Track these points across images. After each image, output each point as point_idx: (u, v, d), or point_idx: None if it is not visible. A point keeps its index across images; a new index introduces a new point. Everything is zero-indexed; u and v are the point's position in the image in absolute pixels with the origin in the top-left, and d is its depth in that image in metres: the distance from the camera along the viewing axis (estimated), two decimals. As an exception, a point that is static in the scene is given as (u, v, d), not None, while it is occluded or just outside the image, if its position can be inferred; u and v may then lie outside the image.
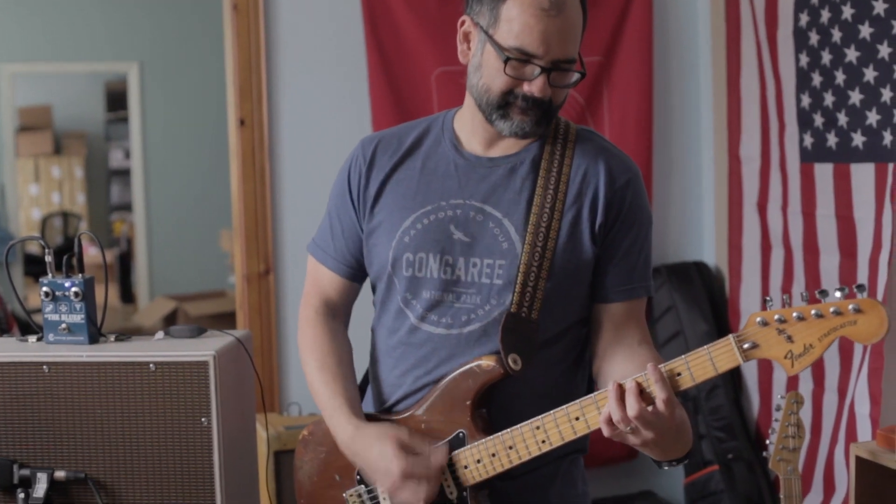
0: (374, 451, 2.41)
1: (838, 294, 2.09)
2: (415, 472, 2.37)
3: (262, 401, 3.18)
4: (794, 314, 2.13)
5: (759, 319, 2.16)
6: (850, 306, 2.08)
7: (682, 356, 2.22)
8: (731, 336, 2.19)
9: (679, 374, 2.22)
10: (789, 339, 2.15)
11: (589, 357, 2.56)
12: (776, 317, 2.15)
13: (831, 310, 2.09)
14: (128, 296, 11.46)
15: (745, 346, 2.18)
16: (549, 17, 2.31)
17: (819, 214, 4.09)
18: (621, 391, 2.21)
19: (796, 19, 4.13)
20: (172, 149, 10.89)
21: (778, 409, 3.30)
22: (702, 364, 2.20)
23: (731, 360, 2.19)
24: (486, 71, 2.40)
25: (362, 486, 2.53)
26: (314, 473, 2.64)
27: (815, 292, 2.12)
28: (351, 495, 2.56)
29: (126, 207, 12.70)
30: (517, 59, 2.33)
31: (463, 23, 2.47)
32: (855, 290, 2.08)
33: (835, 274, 3.99)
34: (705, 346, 2.20)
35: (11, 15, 10.80)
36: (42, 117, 12.86)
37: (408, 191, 2.53)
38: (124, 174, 12.70)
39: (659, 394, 2.18)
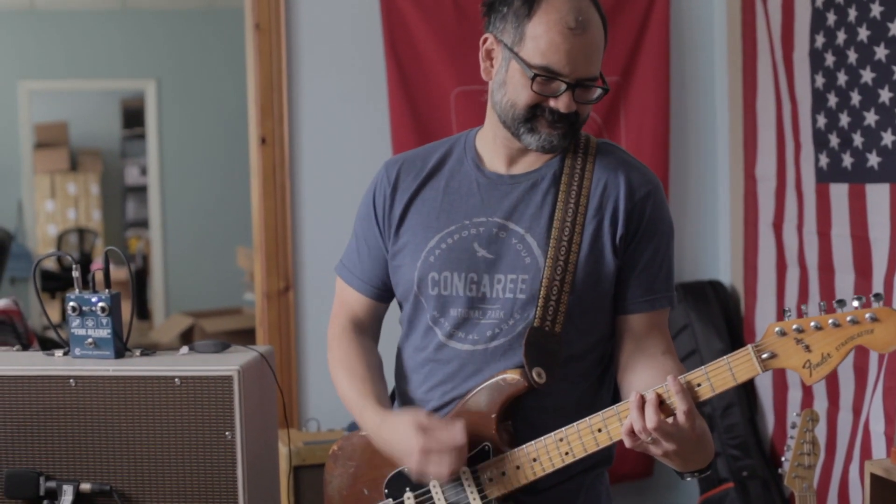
0: (397, 434, 2.43)
1: (855, 303, 2.10)
2: (432, 447, 2.37)
3: (285, 416, 3.20)
4: (812, 324, 2.14)
5: (777, 329, 2.17)
6: (867, 315, 2.09)
7: (702, 367, 2.24)
8: (749, 346, 2.20)
9: (699, 385, 2.23)
10: (807, 348, 2.15)
11: (614, 372, 2.57)
12: (794, 326, 2.16)
13: (848, 319, 2.10)
14: (143, 312, 11.49)
15: (764, 356, 2.19)
16: (574, 35, 2.34)
17: (834, 234, 4.11)
18: (642, 402, 2.23)
19: (812, 41, 4.16)
20: (189, 166, 10.93)
21: (793, 426, 3.31)
22: (721, 374, 2.22)
23: (751, 370, 2.20)
24: (510, 87, 2.42)
25: (390, 499, 2.55)
26: (343, 487, 2.66)
27: (832, 302, 2.13)
28: (379, 508, 2.59)
29: (141, 224, 12.75)
30: (543, 76, 2.36)
31: (486, 40, 2.49)
32: (872, 299, 2.09)
33: (849, 293, 4.00)
34: (724, 357, 2.22)
35: (28, 32, 10.87)
36: (58, 134, 12.92)
37: (432, 211, 2.56)
38: (140, 191, 12.75)
39: (679, 405, 2.20)
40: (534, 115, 2.41)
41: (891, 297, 3.71)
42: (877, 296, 2.09)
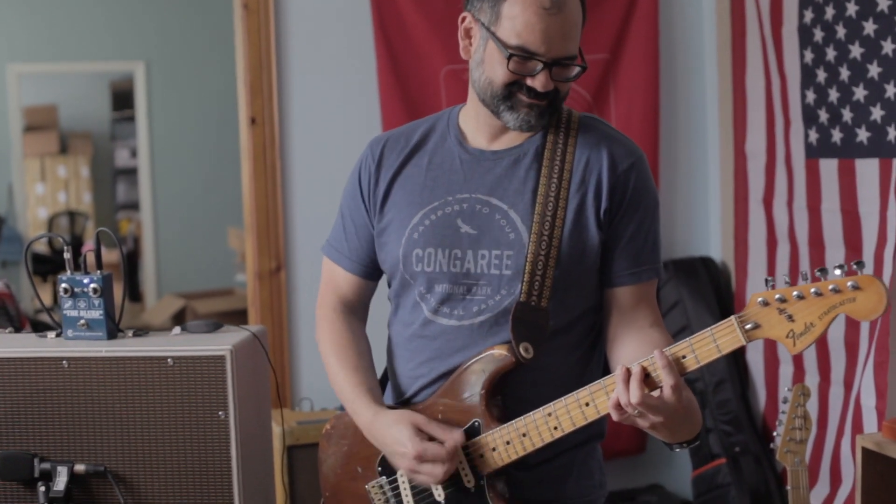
0: (391, 434, 2.45)
1: (837, 272, 2.10)
2: (428, 454, 2.39)
3: (278, 395, 3.21)
4: (794, 293, 2.13)
5: (760, 300, 2.17)
6: (849, 283, 2.09)
7: (687, 339, 2.24)
8: (733, 317, 2.20)
9: (684, 357, 2.23)
10: (790, 318, 2.15)
11: (603, 344, 2.58)
12: (777, 296, 2.15)
13: (830, 287, 2.10)
14: (135, 294, 11.49)
15: (748, 326, 2.18)
16: (549, 15, 2.34)
17: (824, 209, 4.12)
18: (627, 376, 2.23)
19: (801, 16, 4.16)
20: (179, 147, 10.92)
21: (785, 401, 3.33)
22: (706, 346, 2.22)
23: (735, 341, 2.20)
24: (488, 66, 2.43)
25: (383, 477, 2.56)
26: (337, 466, 2.67)
27: (815, 271, 2.13)
28: (372, 486, 2.59)
29: (132, 206, 12.73)
30: (519, 55, 2.37)
31: (464, 19, 2.50)
32: (854, 266, 2.09)
33: (840, 268, 4.01)
34: (709, 328, 2.22)
35: (16, 15, 10.84)
36: (48, 117, 12.89)
37: (415, 188, 2.57)
38: (130, 173, 12.72)
39: (666, 380, 2.20)
40: (510, 92, 2.42)
41: (880, 271, 3.72)
42: (858, 263, 2.09)
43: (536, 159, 2.50)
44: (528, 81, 2.39)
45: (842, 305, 2.11)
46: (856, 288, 2.09)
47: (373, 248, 2.65)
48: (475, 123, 2.56)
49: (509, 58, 2.36)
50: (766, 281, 2.18)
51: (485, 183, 2.51)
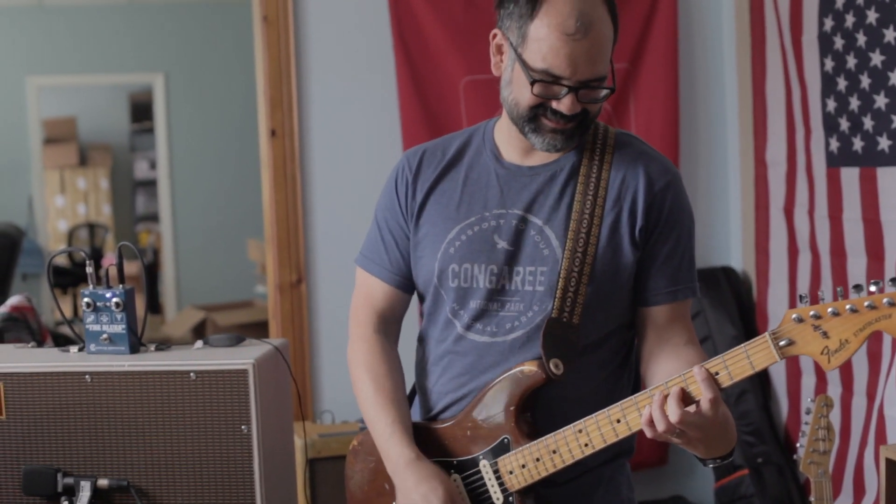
0: (421, 490, 2.43)
1: (872, 288, 2.09)
2: None
3: (300, 408, 3.20)
4: (829, 310, 2.12)
5: (794, 316, 2.16)
6: (885, 300, 2.07)
7: (720, 355, 2.23)
8: (767, 333, 2.19)
9: (717, 374, 2.22)
10: (825, 335, 2.14)
11: (634, 360, 2.57)
12: (811, 313, 2.14)
13: (865, 304, 2.09)
14: (155, 307, 11.51)
15: (782, 343, 2.17)
16: (575, 40, 2.31)
17: (846, 218, 4.10)
18: (664, 399, 2.22)
19: (821, 24, 4.15)
20: (198, 159, 10.94)
21: (808, 412, 3.32)
22: (739, 363, 2.20)
23: (769, 358, 2.19)
24: (515, 87, 2.42)
25: None
26: (364, 483, 2.66)
27: (849, 288, 2.13)
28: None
29: (151, 218, 12.78)
30: (544, 80, 2.35)
31: (495, 35, 2.48)
32: (889, 284, 2.08)
33: (862, 277, 4.00)
34: (742, 345, 2.21)
35: (36, 28, 10.88)
36: (67, 129, 12.95)
37: (451, 202, 2.56)
38: (149, 185, 12.77)
39: (705, 393, 2.19)
40: (535, 115, 2.40)
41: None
42: (894, 280, 2.08)
43: (572, 176, 2.49)
44: (554, 105, 2.37)
45: (877, 322, 2.10)
46: (892, 304, 2.07)
47: (409, 258, 2.63)
48: (508, 138, 2.55)
49: (533, 83, 2.35)
50: (800, 298, 2.17)
51: (521, 199, 2.50)
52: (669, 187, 2.48)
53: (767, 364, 2.20)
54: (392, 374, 2.63)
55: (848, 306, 2.11)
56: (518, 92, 2.41)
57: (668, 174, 2.49)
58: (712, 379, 2.21)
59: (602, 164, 2.48)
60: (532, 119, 2.41)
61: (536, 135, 2.42)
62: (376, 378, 2.61)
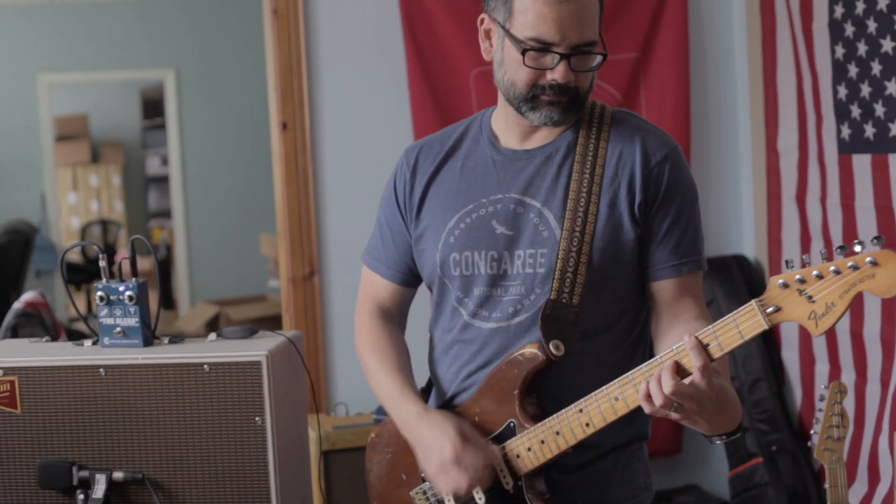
0: (433, 434, 2.44)
1: (857, 248, 2.04)
2: (465, 459, 2.39)
3: (314, 400, 3.21)
4: (814, 273, 2.08)
5: (779, 282, 2.12)
6: (867, 259, 2.02)
7: (710, 326, 2.21)
8: (753, 301, 2.16)
9: (708, 345, 2.20)
10: (810, 299, 2.09)
11: (647, 340, 2.56)
12: (796, 277, 2.10)
13: (849, 265, 2.03)
14: (168, 302, 11.53)
15: (769, 310, 2.14)
16: (560, 3, 2.32)
17: (858, 206, 4.10)
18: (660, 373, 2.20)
19: (831, 11, 4.14)
20: (210, 154, 10.95)
21: (822, 399, 3.31)
22: (728, 332, 2.18)
23: (757, 326, 2.16)
24: (508, 65, 2.42)
25: (426, 483, 2.56)
26: (383, 474, 2.67)
27: (833, 249, 2.07)
28: (416, 493, 2.59)
29: (164, 214, 12.79)
30: (535, 48, 2.35)
31: (482, 21, 2.50)
32: (872, 242, 2.03)
33: (876, 264, 3.99)
34: (731, 314, 2.18)
35: (46, 25, 10.89)
36: (79, 126, 12.97)
37: (449, 192, 2.57)
38: (161, 181, 12.78)
39: (695, 361, 2.17)
40: (533, 94, 2.40)
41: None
42: (877, 238, 2.03)
43: (569, 155, 2.48)
44: (549, 75, 2.37)
45: (861, 283, 2.04)
46: (874, 264, 2.02)
47: (410, 255, 2.66)
48: (505, 124, 2.55)
49: (524, 52, 2.35)
50: (786, 263, 2.14)
51: (518, 182, 2.50)
52: (667, 160, 2.46)
53: (756, 332, 2.17)
54: (395, 347, 2.66)
55: (832, 268, 2.06)
56: (512, 70, 2.41)
57: (666, 147, 2.48)
58: (701, 346, 2.19)
59: (599, 141, 2.47)
60: (529, 98, 2.41)
61: (533, 111, 2.42)
62: (380, 353, 2.65)
